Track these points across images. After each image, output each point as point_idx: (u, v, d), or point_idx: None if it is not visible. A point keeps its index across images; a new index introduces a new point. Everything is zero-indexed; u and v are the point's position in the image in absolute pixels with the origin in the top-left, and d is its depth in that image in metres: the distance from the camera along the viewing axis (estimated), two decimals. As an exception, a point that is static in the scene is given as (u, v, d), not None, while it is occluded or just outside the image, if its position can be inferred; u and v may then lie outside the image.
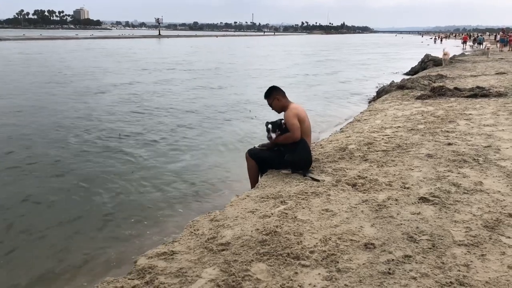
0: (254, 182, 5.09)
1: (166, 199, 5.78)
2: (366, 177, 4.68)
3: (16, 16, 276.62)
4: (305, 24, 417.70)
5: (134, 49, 51.12)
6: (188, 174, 6.85)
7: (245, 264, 2.96)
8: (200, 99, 14.94)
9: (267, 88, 5.22)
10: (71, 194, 5.91)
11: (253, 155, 5.08)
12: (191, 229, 3.68)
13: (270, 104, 5.18)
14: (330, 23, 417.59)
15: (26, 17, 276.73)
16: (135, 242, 4.56)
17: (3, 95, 15.16)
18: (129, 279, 2.95)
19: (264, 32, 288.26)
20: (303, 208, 3.91)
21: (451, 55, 24.13)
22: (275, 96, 5.10)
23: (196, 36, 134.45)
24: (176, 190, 6.13)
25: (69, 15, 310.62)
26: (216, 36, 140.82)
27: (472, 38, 62.37)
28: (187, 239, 3.49)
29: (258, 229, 3.47)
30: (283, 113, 5.10)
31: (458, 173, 4.71)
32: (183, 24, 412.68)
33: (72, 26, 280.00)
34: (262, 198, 4.25)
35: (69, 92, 16.12)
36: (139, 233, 4.75)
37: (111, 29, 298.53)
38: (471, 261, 2.88)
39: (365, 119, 8.72)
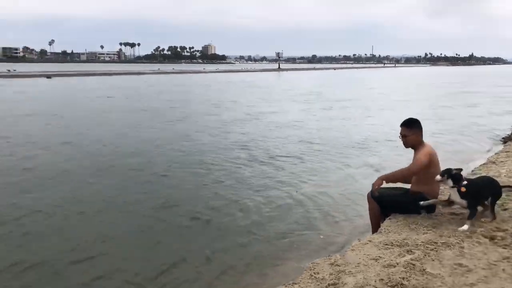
0: (375, 226, 4.84)
1: (284, 233, 5.73)
2: (507, 230, 4.18)
3: (153, 52, 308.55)
4: (429, 55, 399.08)
5: (259, 81, 53.70)
6: (309, 207, 6.78)
7: (369, 318, 2.79)
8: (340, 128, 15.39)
9: (409, 118, 4.87)
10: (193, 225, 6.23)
11: (375, 197, 4.86)
12: (311, 271, 3.61)
13: (404, 135, 4.78)
14: (456, 54, 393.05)
15: (162, 53, 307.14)
16: (253, 280, 4.52)
17: (174, 120, 17.47)
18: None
19: (384, 63, 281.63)
20: (433, 260, 3.60)
21: None
22: (416, 130, 4.76)
23: (314, 69, 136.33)
24: (296, 224, 6.08)
25: (198, 51, 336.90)
26: (334, 68, 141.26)
27: None
28: (307, 282, 3.42)
29: (382, 280, 3.27)
30: (417, 151, 4.72)
31: None
32: (302, 57, 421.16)
33: (200, 61, 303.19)
34: (386, 245, 4.02)
35: (225, 119, 18.18)
36: (258, 272, 4.69)
37: (234, 63, 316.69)
38: None
39: (501, 161, 7.91)
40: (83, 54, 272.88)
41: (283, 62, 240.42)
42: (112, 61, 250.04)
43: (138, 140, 13.27)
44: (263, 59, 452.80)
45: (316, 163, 9.98)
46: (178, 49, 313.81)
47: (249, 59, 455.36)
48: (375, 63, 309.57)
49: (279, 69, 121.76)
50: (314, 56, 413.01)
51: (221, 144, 12.55)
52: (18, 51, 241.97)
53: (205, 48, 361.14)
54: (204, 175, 8.91)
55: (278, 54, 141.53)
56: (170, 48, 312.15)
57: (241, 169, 9.37)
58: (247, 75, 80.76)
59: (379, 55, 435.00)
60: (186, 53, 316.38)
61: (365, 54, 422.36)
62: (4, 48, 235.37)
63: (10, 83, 43.75)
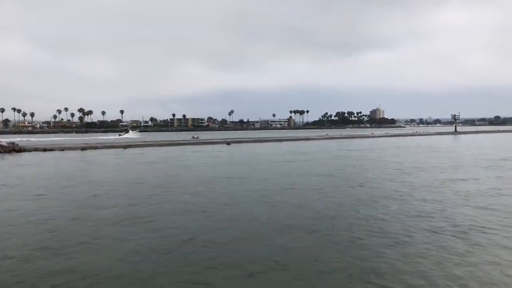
0: None
1: None
2: None
3: (321, 118, 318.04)
4: None
5: (436, 144, 50.39)
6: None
7: None
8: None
9: None
10: None
11: None
12: None
13: None
14: None
15: (329, 118, 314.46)
16: None
17: (355, 186, 17.18)
18: None
19: None
20: None
21: None
22: None
23: (498, 131, 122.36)
24: None
25: (365, 115, 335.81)
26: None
27: None
28: None
29: None
30: None
31: None
32: (482, 119, 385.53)
33: (367, 125, 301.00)
34: None
35: (410, 185, 18.29)
36: None
37: (404, 127, 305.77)
38: None
39: None
40: (257, 122, 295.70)
41: (460, 124, 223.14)
42: (282, 128, 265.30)
43: (332, 206, 13.83)
44: (437, 121, 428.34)
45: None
46: (346, 114, 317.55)
47: (421, 122, 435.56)
48: None
49: (455, 132, 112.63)
50: (497, 117, 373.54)
51: (412, 212, 12.09)
52: (203, 121, 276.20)
53: (373, 112, 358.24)
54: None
55: (454, 116, 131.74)
56: (337, 114, 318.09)
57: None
58: (421, 138, 76.54)
59: None
60: (353, 118, 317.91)
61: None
62: (193, 119, 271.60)
63: (200, 148, 49.09)
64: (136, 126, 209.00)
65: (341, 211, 12.92)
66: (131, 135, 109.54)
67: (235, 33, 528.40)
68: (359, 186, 18.25)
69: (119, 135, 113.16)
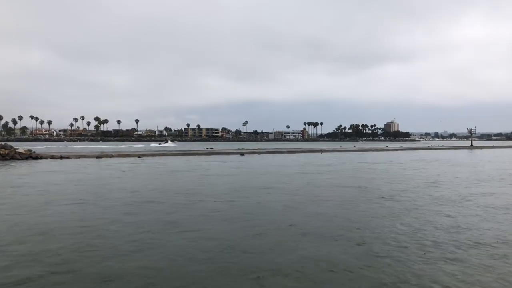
0: None
1: None
2: None
3: (335, 130, 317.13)
4: None
5: (455, 159, 49.84)
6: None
7: None
8: None
9: None
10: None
11: None
12: None
13: None
14: None
15: (343, 131, 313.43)
16: None
17: (380, 198, 17.30)
18: None
19: None
20: None
21: None
22: None
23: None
24: None
25: (380, 128, 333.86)
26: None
27: None
28: None
29: None
30: None
31: None
32: (499, 134, 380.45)
33: (382, 138, 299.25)
34: None
35: (431, 198, 18.17)
36: None
37: (419, 140, 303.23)
38: None
39: None
40: (271, 133, 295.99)
41: (476, 139, 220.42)
42: (296, 140, 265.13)
43: (371, 218, 13.93)
44: (452, 136, 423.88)
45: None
46: (360, 127, 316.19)
47: (436, 135, 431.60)
48: None
49: (471, 146, 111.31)
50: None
51: (426, 227, 12.22)
52: (218, 131, 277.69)
53: (388, 125, 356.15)
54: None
55: (470, 130, 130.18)
56: (351, 126, 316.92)
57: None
58: (437, 152, 75.87)
59: None
60: (367, 131, 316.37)
61: None
62: (207, 129, 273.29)
63: (216, 158, 49.35)
64: (174, 136, 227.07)
65: (384, 223, 13.06)
66: (170, 144, 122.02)
67: (253, 45, 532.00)
68: (389, 198, 18.52)
69: (159, 143, 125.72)
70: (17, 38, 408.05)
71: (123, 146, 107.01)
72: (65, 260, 9.30)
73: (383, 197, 18.60)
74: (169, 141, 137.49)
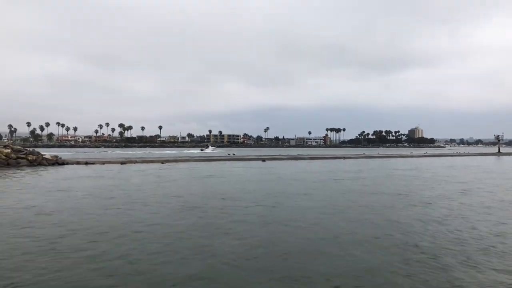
0: None
1: None
2: None
3: (358, 136, 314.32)
4: None
5: (486, 166, 48.75)
6: None
7: None
8: None
9: None
10: None
11: None
12: None
13: None
14: None
15: (366, 137, 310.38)
16: None
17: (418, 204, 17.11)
18: None
19: None
20: None
21: None
22: None
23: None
24: None
25: (404, 134, 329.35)
26: None
27: None
28: None
29: None
30: None
31: None
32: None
33: (406, 144, 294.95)
34: None
35: (467, 206, 17.04)
36: None
37: (444, 147, 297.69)
38: None
39: None
40: (292, 139, 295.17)
41: (504, 145, 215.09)
42: (318, 146, 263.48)
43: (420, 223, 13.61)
44: (478, 142, 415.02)
45: None
46: (383, 133, 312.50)
47: (461, 142, 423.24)
48: None
49: (498, 153, 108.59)
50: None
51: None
52: (239, 137, 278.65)
53: (412, 131, 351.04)
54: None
55: (497, 136, 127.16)
56: (374, 132, 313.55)
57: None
58: (464, 159, 74.46)
59: None
60: (391, 137, 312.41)
61: None
62: (229, 135, 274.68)
63: (240, 164, 49.44)
64: (215, 142, 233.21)
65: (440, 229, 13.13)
66: (211, 149, 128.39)
67: (275, 50, 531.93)
68: (429, 204, 18.50)
69: (201, 149, 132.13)
70: (45, 46, 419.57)
71: (168, 151, 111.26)
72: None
73: (429, 203, 18.64)
74: (210, 147, 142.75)
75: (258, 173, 38.65)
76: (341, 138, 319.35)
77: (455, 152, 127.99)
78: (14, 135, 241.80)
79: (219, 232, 12.67)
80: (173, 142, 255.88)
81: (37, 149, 56.85)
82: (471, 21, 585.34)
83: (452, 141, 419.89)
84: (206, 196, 20.88)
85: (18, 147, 50.20)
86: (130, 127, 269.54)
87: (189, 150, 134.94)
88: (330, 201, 19.15)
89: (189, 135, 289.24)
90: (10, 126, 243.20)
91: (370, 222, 14.13)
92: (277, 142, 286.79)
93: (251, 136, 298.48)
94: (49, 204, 18.06)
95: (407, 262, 9.47)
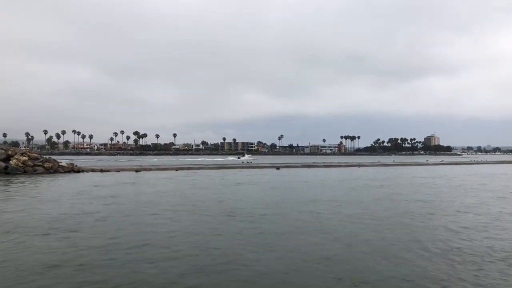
0: None
1: None
2: None
3: (373, 144, 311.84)
4: None
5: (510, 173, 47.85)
6: None
7: None
8: None
9: None
10: None
11: None
12: None
13: None
14: None
15: (381, 145, 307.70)
16: None
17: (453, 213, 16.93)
18: None
19: None
20: None
21: None
22: None
23: None
24: None
25: (419, 142, 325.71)
26: None
27: None
28: None
29: None
30: None
31: None
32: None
33: (422, 152, 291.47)
34: None
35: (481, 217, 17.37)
36: None
37: (460, 154, 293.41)
38: None
39: None
40: (306, 147, 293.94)
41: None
42: (332, 154, 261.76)
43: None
44: (496, 150, 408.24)
45: None
46: (399, 141, 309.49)
47: (479, 150, 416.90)
48: None
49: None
50: None
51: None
52: (253, 145, 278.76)
53: (428, 139, 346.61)
54: None
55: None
56: (390, 140, 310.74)
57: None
58: (484, 167, 73.26)
59: None
60: (407, 145, 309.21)
61: None
62: (243, 143, 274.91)
63: (258, 172, 49.31)
64: (251, 150, 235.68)
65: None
66: (247, 157, 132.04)
67: (292, 59, 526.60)
68: (465, 211, 18.59)
69: (238, 157, 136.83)
70: (65, 57, 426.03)
71: (190, 159, 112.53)
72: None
73: (466, 212, 18.50)
74: (246, 155, 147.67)
75: (284, 180, 38.81)
76: (356, 146, 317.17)
77: (473, 160, 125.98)
78: (31, 143, 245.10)
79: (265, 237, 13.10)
80: (187, 150, 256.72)
81: (53, 157, 57.39)
82: (491, 28, 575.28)
83: (469, 148, 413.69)
84: (246, 201, 21.77)
85: (35, 154, 50.65)
86: (145, 135, 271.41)
87: (226, 157, 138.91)
88: (362, 209, 19.11)
89: (203, 142, 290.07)
90: (27, 134, 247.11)
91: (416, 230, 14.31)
92: (291, 149, 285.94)
93: (265, 144, 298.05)
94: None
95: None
